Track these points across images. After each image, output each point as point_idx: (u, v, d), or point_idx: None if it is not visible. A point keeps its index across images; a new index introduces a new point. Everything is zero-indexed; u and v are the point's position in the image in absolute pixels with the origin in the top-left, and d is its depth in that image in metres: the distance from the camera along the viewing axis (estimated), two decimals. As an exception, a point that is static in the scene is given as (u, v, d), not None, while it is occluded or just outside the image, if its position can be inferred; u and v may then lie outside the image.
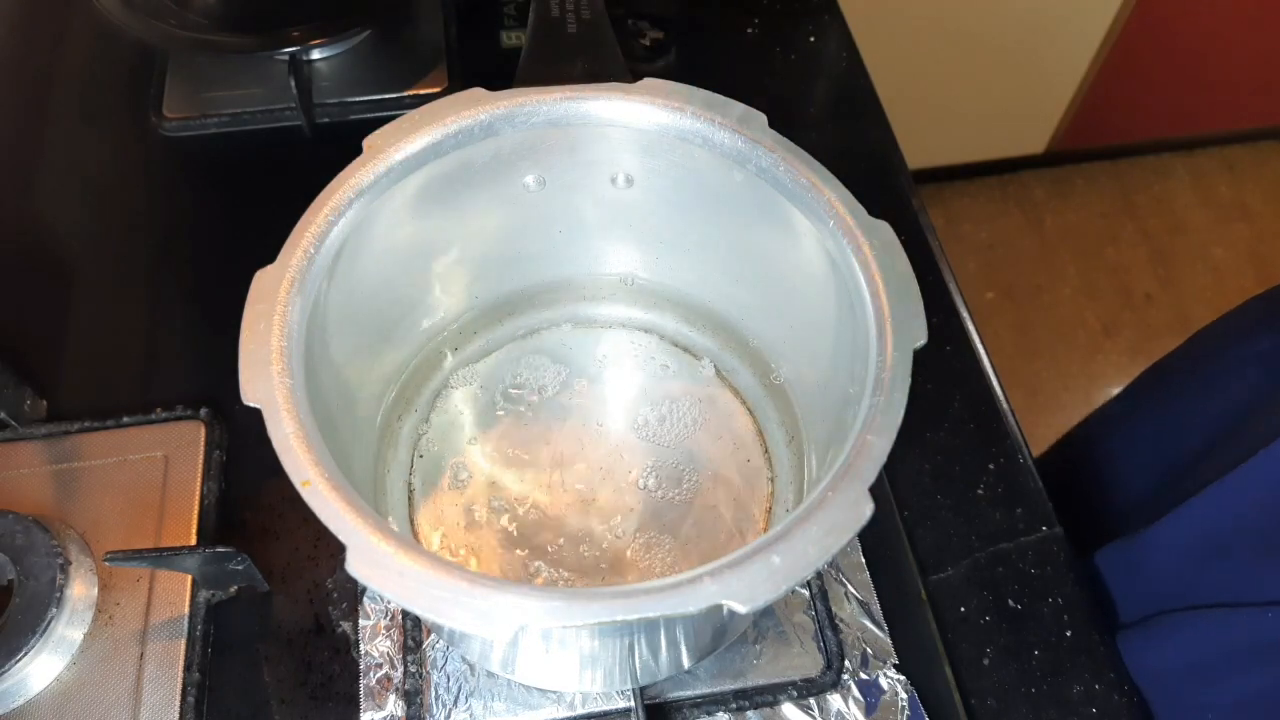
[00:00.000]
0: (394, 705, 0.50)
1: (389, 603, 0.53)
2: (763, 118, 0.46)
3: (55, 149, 0.74)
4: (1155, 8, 1.44)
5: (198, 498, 0.56)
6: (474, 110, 0.46)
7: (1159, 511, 0.56)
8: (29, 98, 0.77)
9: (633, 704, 0.49)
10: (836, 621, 0.53)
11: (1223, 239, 1.63)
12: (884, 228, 0.43)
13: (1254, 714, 0.51)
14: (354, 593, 0.53)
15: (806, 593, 0.54)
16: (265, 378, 0.39)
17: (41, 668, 0.50)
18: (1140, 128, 1.71)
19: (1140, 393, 0.68)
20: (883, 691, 0.51)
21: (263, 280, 0.42)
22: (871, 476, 0.37)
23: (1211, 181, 1.75)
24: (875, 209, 0.43)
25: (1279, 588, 0.49)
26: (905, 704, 0.51)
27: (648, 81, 0.47)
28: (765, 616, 0.53)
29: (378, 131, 0.45)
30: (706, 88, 0.46)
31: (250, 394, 0.39)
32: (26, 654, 0.49)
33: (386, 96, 0.74)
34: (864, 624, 0.53)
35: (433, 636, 0.52)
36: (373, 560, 0.36)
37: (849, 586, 0.54)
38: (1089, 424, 0.73)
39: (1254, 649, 0.50)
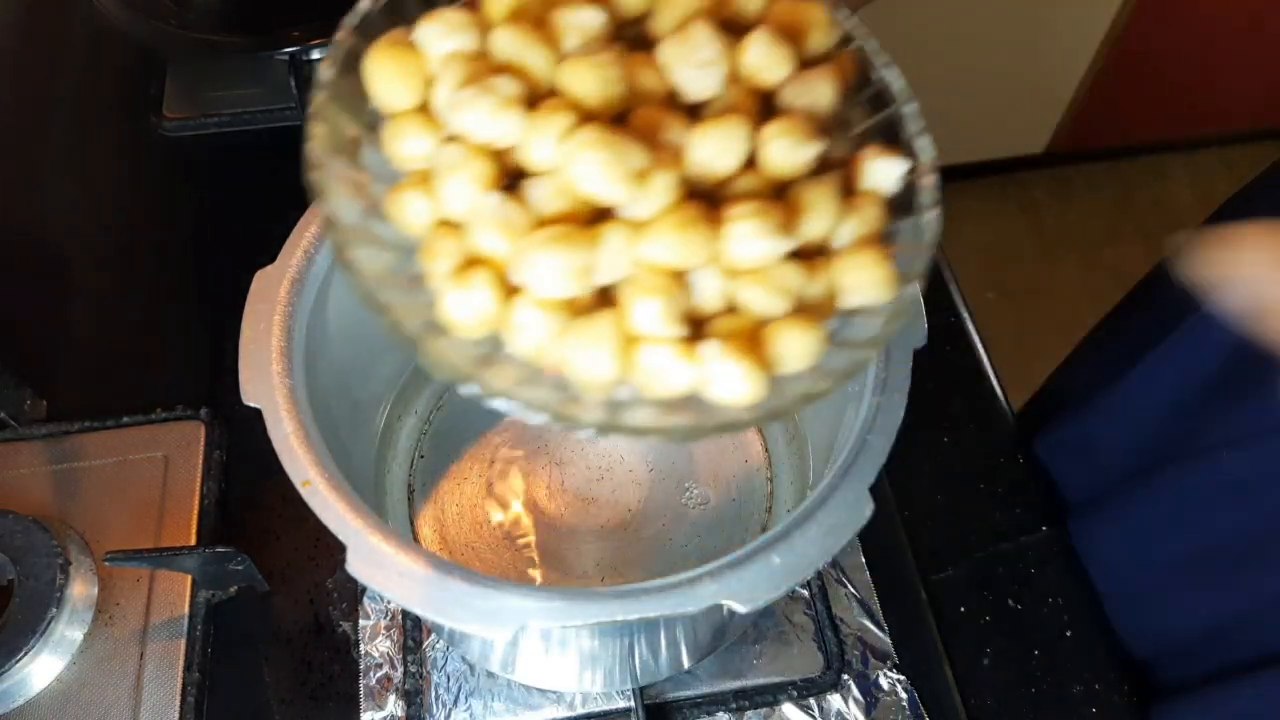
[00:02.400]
0: (394, 705, 0.50)
1: (389, 603, 0.53)
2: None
3: (55, 149, 0.74)
4: (1154, 8, 1.44)
5: (198, 498, 0.56)
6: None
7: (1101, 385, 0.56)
8: (29, 98, 0.77)
9: (632, 704, 0.49)
10: (836, 621, 0.53)
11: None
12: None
13: (1200, 569, 0.51)
14: (354, 593, 0.53)
15: (806, 593, 0.54)
16: (265, 378, 0.39)
17: (42, 667, 0.50)
18: (1140, 128, 1.71)
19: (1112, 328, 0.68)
20: (883, 691, 0.51)
21: (263, 280, 0.42)
22: (871, 476, 0.37)
23: (1211, 181, 1.74)
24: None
25: (1224, 434, 0.48)
26: (905, 704, 0.51)
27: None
28: (765, 616, 0.53)
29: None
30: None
31: (250, 394, 0.39)
32: (26, 654, 0.49)
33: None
34: (864, 624, 0.53)
35: (433, 636, 0.52)
36: (373, 560, 0.36)
37: (849, 586, 0.54)
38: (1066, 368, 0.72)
39: (1203, 499, 0.49)
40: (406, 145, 0.27)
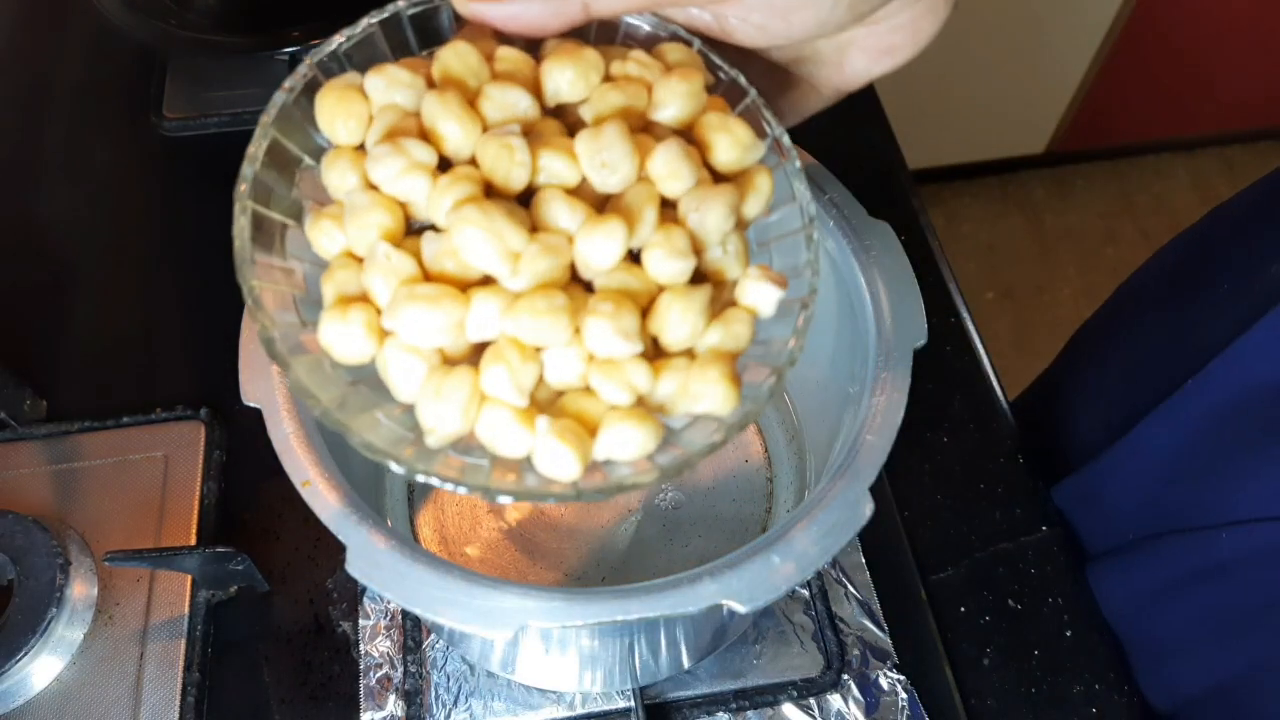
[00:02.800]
0: (394, 705, 0.50)
1: (389, 603, 0.53)
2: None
3: (55, 149, 0.74)
4: (1155, 8, 1.44)
5: (198, 498, 0.56)
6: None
7: (1112, 438, 0.56)
8: (29, 98, 0.77)
9: (632, 704, 0.49)
10: (836, 621, 0.53)
11: (1223, 239, 1.63)
12: (884, 227, 0.43)
13: (1205, 631, 0.51)
14: (354, 593, 0.53)
15: (806, 592, 0.54)
16: (265, 377, 0.39)
17: (41, 668, 0.50)
18: (1140, 128, 1.71)
19: (1111, 314, 0.67)
20: (883, 691, 0.51)
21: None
22: (872, 476, 0.37)
23: (1211, 182, 1.74)
24: (875, 209, 0.43)
25: (1224, 510, 0.48)
26: (905, 704, 0.51)
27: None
28: (765, 616, 0.53)
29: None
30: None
31: (250, 394, 0.39)
32: (26, 654, 0.49)
33: (387, 96, 0.73)
34: (864, 624, 0.53)
35: (433, 636, 0.52)
36: (373, 560, 0.36)
37: (849, 586, 0.54)
38: (1064, 353, 0.72)
39: (1204, 572, 0.50)
40: (336, 176, 0.29)
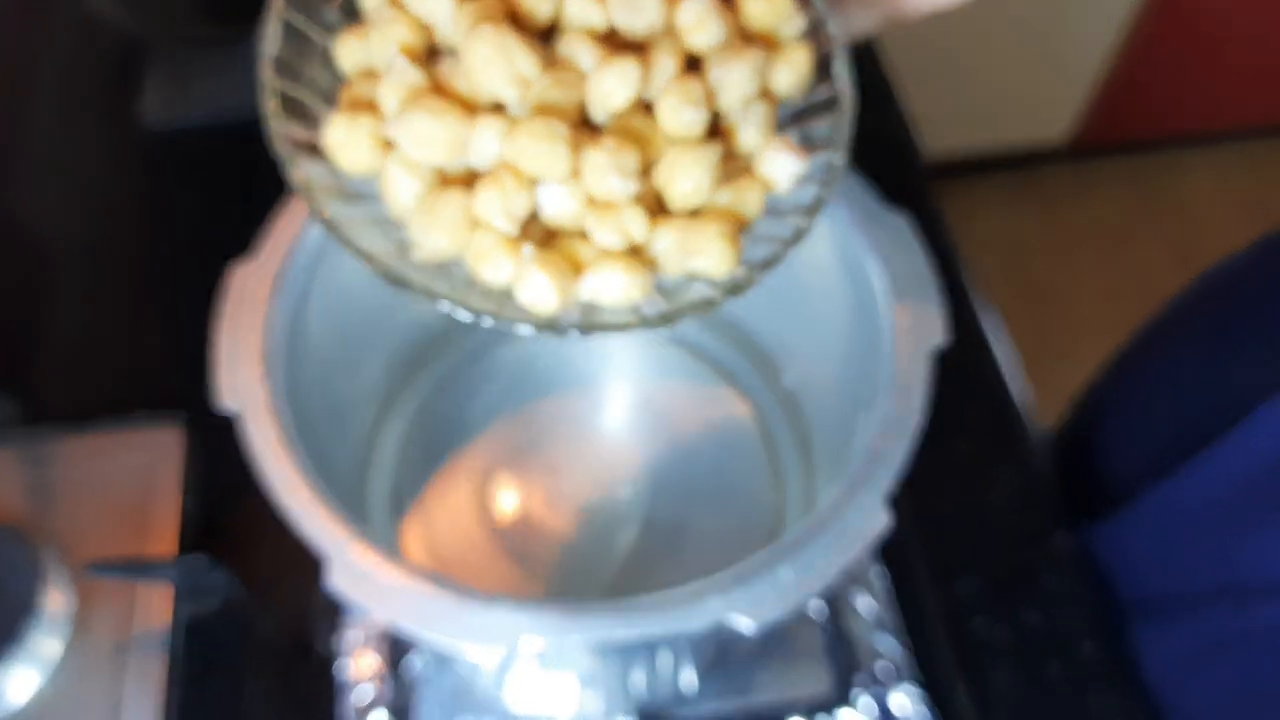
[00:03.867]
0: (382, 723, 0.49)
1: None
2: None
3: (33, 143, 0.73)
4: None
5: (178, 506, 0.55)
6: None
7: (1143, 486, 0.55)
8: (7, 90, 0.76)
9: (633, 723, 0.48)
10: (848, 634, 0.51)
11: (1247, 238, 1.62)
12: (900, 222, 0.42)
13: (1236, 699, 0.50)
14: (340, 606, 0.52)
15: (816, 605, 0.52)
16: (244, 381, 0.39)
17: (18, 682, 0.49)
18: (1160, 122, 1.70)
19: (1150, 344, 0.66)
20: (895, 706, 0.50)
21: (241, 278, 0.41)
22: (887, 485, 0.36)
23: (1233, 178, 1.73)
24: (890, 203, 0.42)
25: (1261, 571, 0.47)
26: (919, 719, 0.49)
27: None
28: (773, 630, 0.52)
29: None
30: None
31: (228, 397, 0.38)
32: (2, 668, 0.48)
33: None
34: (876, 637, 0.52)
35: (421, 652, 0.50)
36: (356, 574, 0.35)
37: (860, 598, 0.53)
38: (1104, 380, 0.71)
39: (1239, 636, 0.49)
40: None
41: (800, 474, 0.54)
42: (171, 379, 0.60)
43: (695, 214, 0.29)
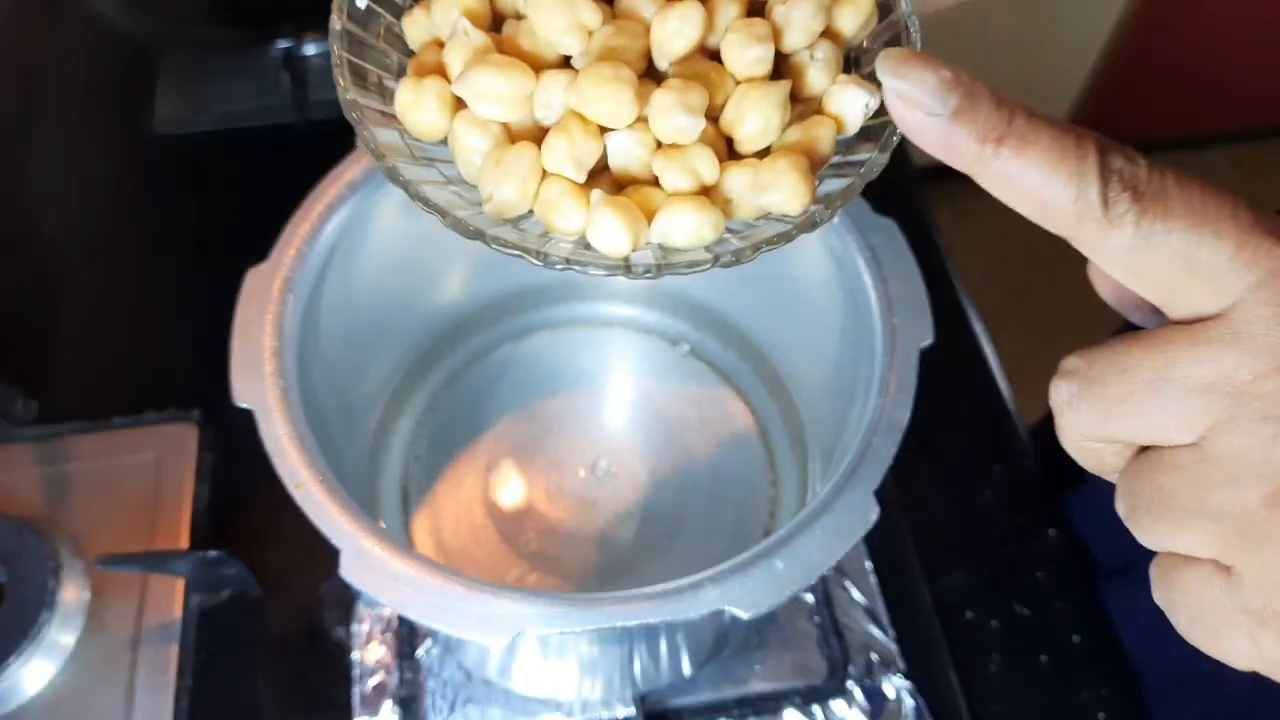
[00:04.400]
0: (389, 712, 0.49)
1: (384, 608, 0.52)
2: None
3: (47, 146, 0.73)
4: (1161, 4, 1.43)
5: (190, 500, 0.55)
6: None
7: None
8: (20, 95, 0.76)
9: (633, 712, 0.49)
10: (840, 627, 0.52)
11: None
12: (889, 225, 0.42)
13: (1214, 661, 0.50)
14: (348, 597, 0.53)
15: (810, 598, 0.53)
16: (257, 378, 0.39)
17: (34, 673, 0.50)
18: (1147, 125, 1.70)
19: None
20: (887, 698, 0.50)
21: (255, 279, 0.42)
22: (877, 480, 0.36)
23: (1219, 179, 1.73)
24: (880, 206, 0.42)
25: None
26: (910, 710, 0.50)
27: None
28: (768, 622, 0.52)
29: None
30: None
31: (242, 395, 0.39)
32: (18, 658, 0.49)
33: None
34: (869, 629, 0.52)
35: (428, 642, 0.51)
36: (367, 565, 0.35)
37: (853, 591, 0.53)
38: None
39: None
40: None
41: (794, 469, 0.54)
42: (185, 377, 0.60)
43: (764, 156, 0.28)
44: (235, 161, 0.71)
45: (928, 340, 0.39)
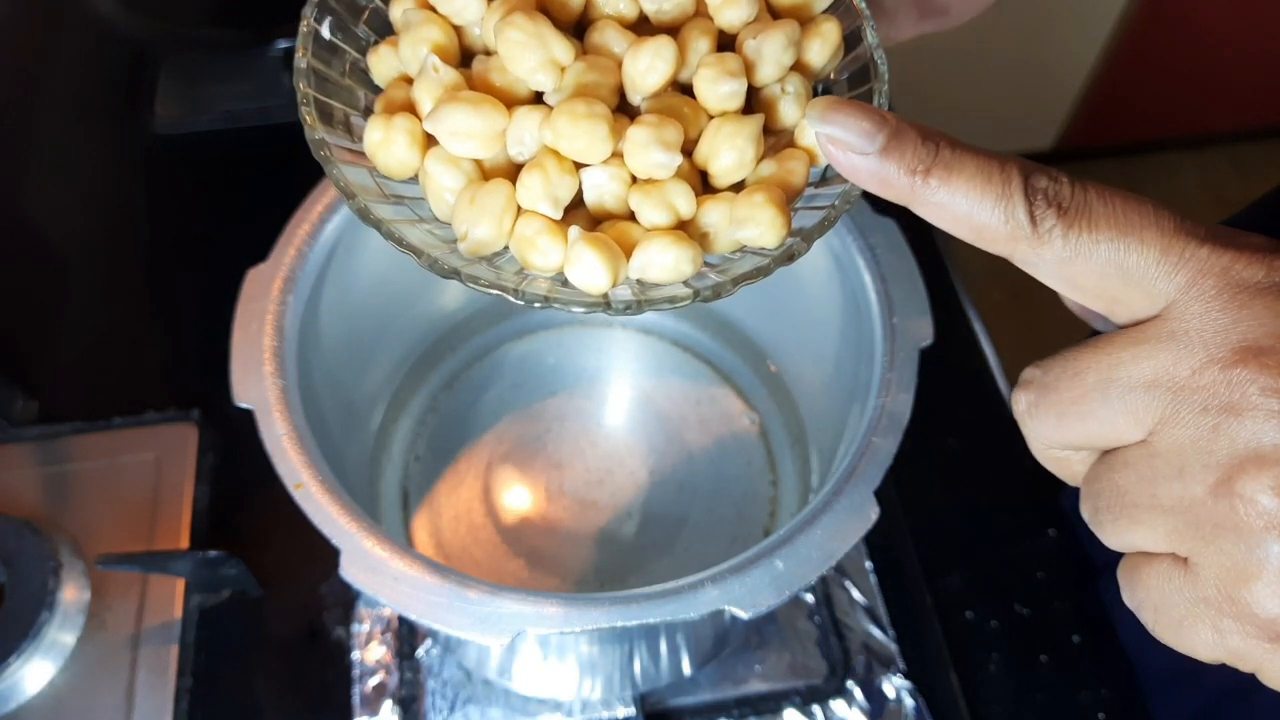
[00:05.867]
0: (389, 712, 0.49)
1: (384, 608, 0.52)
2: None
3: (47, 147, 0.73)
4: (1161, 4, 1.43)
5: (190, 501, 0.55)
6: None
7: None
8: (20, 95, 0.76)
9: (633, 712, 0.49)
10: (840, 627, 0.52)
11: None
12: (889, 224, 0.42)
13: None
14: (348, 598, 0.53)
15: (810, 598, 0.53)
16: (257, 378, 0.39)
17: (34, 672, 0.50)
18: (1148, 125, 1.70)
19: None
20: (888, 698, 0.50)
21: (255, 279, 0.42)
22: (877, 480, 0.36)
23: (1220, 180, 1.73)
24: (880, 206, 0.42)
25: None
26: (911, 710, 0.50)
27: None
28: (768, 622, 0.52)
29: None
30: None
31: (242, 394, 0.39)
32: (18, 658, 0.49)
33: (384, 92, 0.73)
34: (869, 629, 0.52)
35: (428, 642, 0.51)
36: (367, 565, 0.35)
37: (853, 591, 0.53)
38: None
39: None
40: (399, 9, 0.30)
41: (794, 469, 0.54)
42: (184, 377, 0.60)
43: (739, 189, 0.28)
44: (235, 161, 0.71)
45: (928, 340, 0.39)
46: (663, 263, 0.27)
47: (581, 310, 0.27)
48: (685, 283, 0.28)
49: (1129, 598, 0.24)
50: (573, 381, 0.57)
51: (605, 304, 0.27)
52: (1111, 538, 0.23)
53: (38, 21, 0.80)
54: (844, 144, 0.24)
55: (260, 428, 0.38)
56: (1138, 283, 0.22)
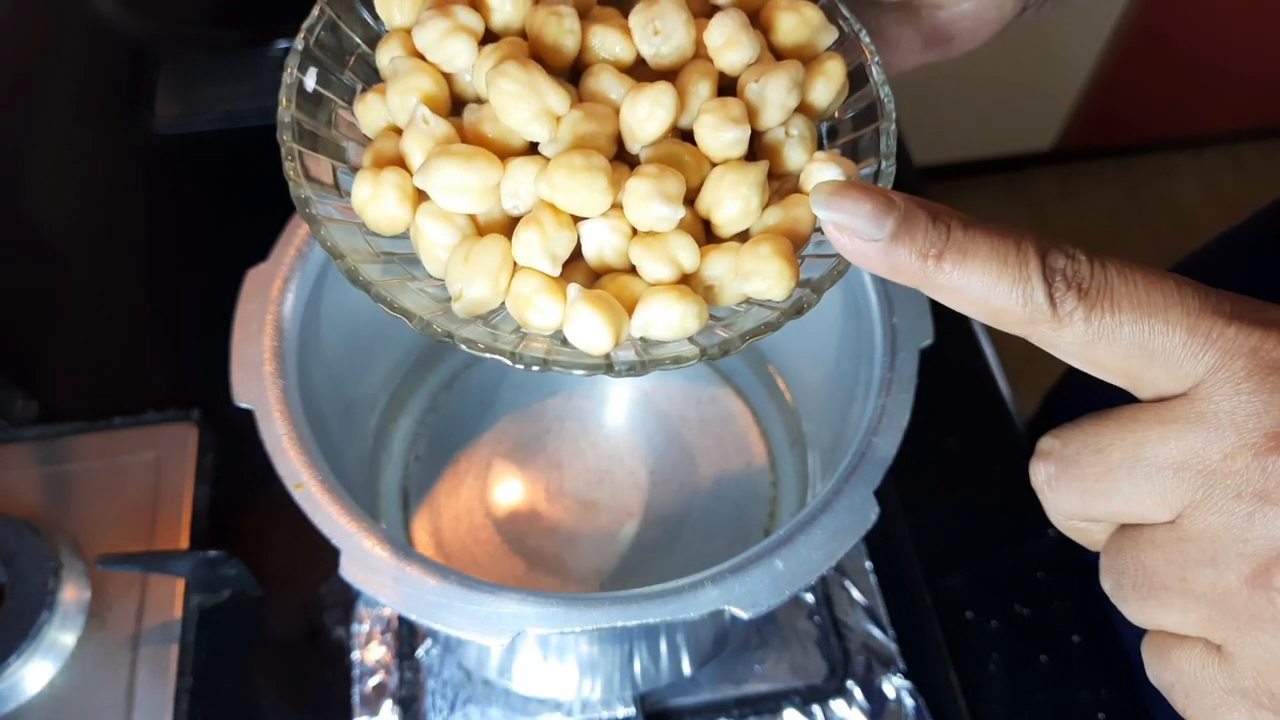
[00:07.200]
0: (389, 712, 0.49)
1: (384, 608, 0.52)
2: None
3: (47, 147, 0.73)
4: (1161, 5, 1.43)
5: (190, 501, 0.55)
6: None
7: None
8: (21, 95, 0.76)
9: (633, 712, 0.49)
10: (840, 627, 0.52)
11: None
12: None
13: None
14: (348, 598, 0.53)
15: (810, 598, 0.53)
16: (257, 378, 0.39)
17: (34, 672, 0.50)
18: (1148, 125, 1.70)
19: None
20: (888, 698, 0.50)
21: (255, 279, 0.42)
22: (877, 480, 0.36)
23: (1220, 180, 1.73)
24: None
25: None
26: (910, 710, 0.50)
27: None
28: (768, 622, 0.52)
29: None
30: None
31: (242, 394, 0.39)
32: (18, 658, 0.49)
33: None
34: (869, 629, 0.52)
35: (428, 642, 0.51)
36: (367, 565, 0.35)
37: (853, 591, 0.53)
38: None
39: None
40: (386, 55, 0.29)
41: (794, 469, 0.54)
42: (185, 377, 0.60)
43: (744, 238, 0.27)
44: (235, 161, 0.71)
45: (928, 340, 0.39)
46: (667, 320, 0.26)
47: (582, 373, 0.26)
48: (691, 339, 0.26)
49: (1156, 677, 0.23)
50: (573, 381, 0.57)
51: (607, 365, 0.26)
52: (1138, 615, 0.23)
53: (38, 21, 0.80)
54: (851, 230, 0.23)
55: (260, 428, 0.38)
56: (1163, 363, 0.21)
